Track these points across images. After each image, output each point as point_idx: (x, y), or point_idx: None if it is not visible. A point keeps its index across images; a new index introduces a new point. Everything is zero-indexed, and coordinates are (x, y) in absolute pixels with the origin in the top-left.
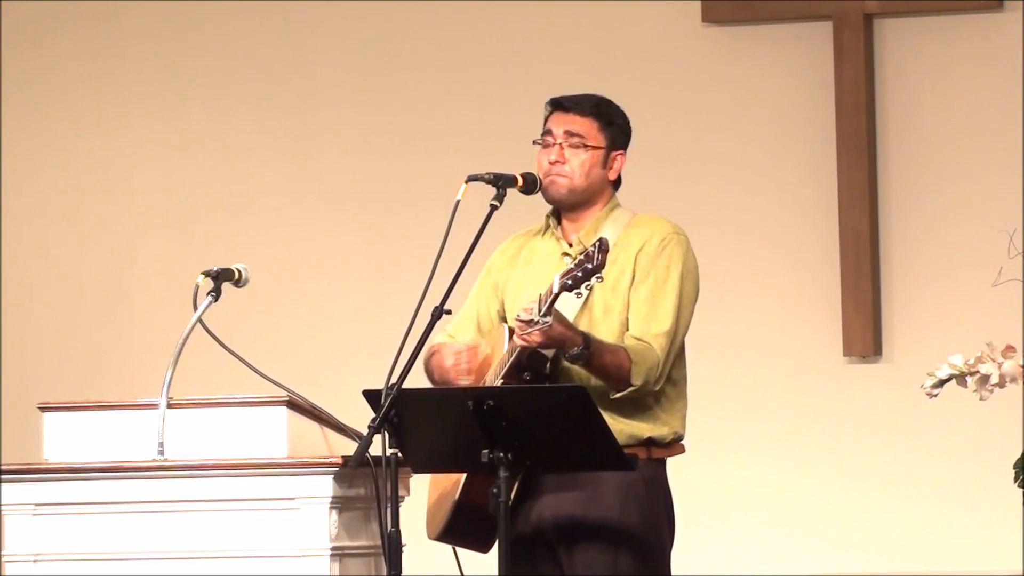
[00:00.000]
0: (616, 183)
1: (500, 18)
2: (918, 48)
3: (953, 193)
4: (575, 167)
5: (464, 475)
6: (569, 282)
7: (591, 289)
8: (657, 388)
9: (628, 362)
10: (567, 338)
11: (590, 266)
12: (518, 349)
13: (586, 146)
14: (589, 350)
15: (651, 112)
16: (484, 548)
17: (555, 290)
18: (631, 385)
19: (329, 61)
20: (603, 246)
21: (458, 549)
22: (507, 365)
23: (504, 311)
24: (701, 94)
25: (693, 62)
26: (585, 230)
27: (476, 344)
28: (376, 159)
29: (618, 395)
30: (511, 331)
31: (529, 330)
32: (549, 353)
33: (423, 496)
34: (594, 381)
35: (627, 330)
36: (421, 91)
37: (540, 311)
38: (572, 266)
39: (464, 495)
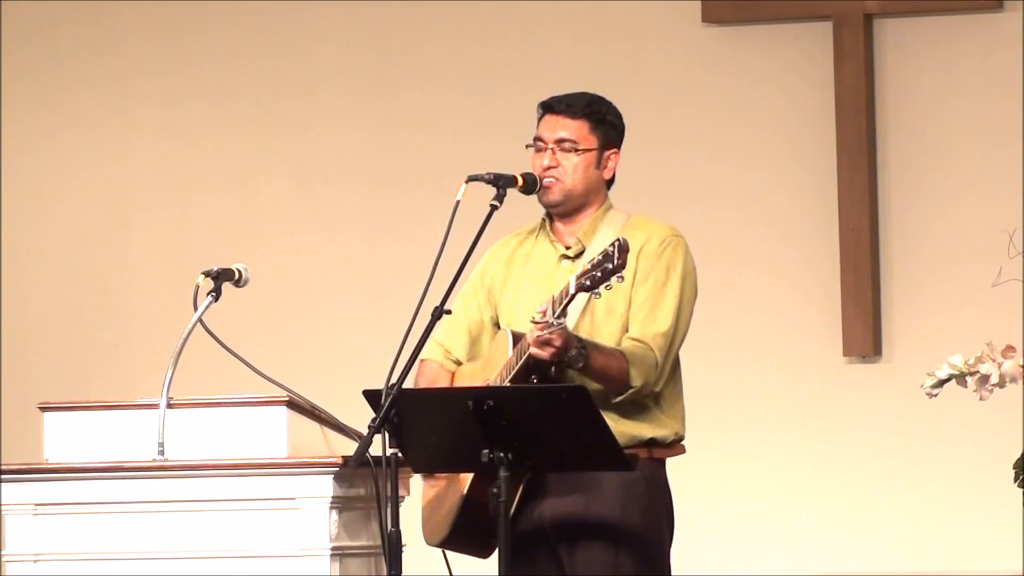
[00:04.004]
0: (610, 183)
1: (500, 18)
2: (918, 48)
3: (953, 193)
4: (568, 171)
5: (467, 482)
6: (587, 283)
7: (610, 288)
8: (657, 389)
9: (625, 364)
10: (569, 341)
11: (610, 266)
12: (527, 353)
13: (577, 150)
14: (585, 351)
15: (651, 112)
16: (485, 554)
17: (571, 291)
18: (630, 387)
19: (330, 62)
20: (623, 246)
21: (449, 553)
22: (515, 369)
23: (498, 316)
24: (701, 94)
25: (693, 62)
26: (584, 230)
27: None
28: (376, 160)
29: (619, 398)
30: (515, 336)
31: (544, 333)
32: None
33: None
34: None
35: (627, 332)
36: (421, 91)
37: (554, 312)
38: (589, 267)
39: (468, 502)
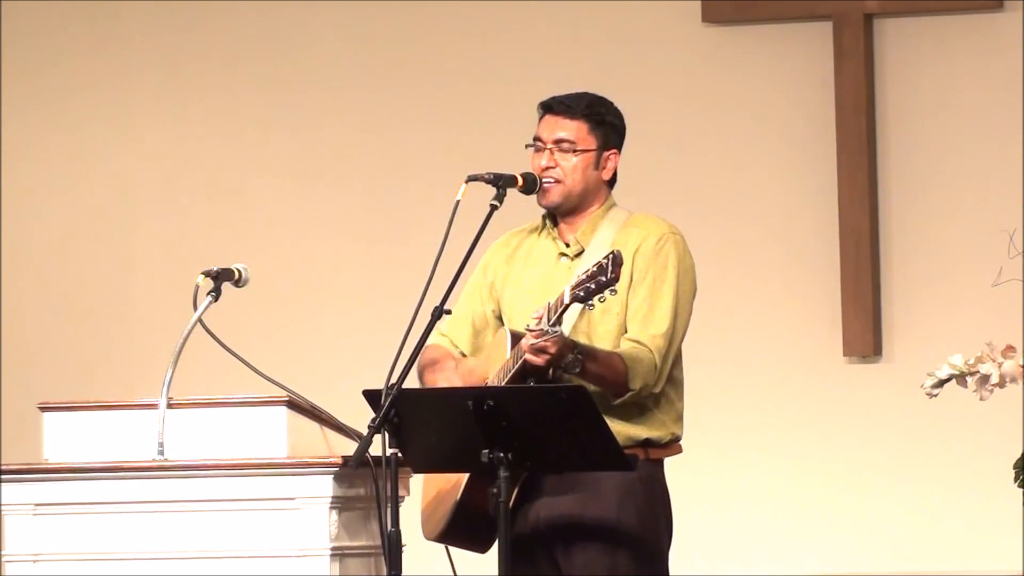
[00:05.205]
0: (612, 182)
1: (500, 18)
2: (918, 48)
3: (953, 193)
4: (567, 171)
5: (465, 476)
6: (581, 293)
7: (603, 300)
8: (657, 390)
9: (623, 367)
10: (563, 348)
11: (603, 279)
12: (523, 358)
13: (575, 150)
14: (581, 356)
15: (651, 112)
16: (483, 549)
17: (566, 300)
18: (629, 390)
19: (330, 61)
20: (617, 259)
21: (452, 550)
22: (512, 372)
23: (500, 310)
24: (701, 94)
25: (693, 62)
26: (582, 230)
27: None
28: (376, 160)
29: (618, 401)
30: (514, 337)
31: (540, 341)
32: None
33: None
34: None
35: (625, 331)
36: (422, 90)
37: (549, 320)
38: (584, 278)
39: (465, 496)
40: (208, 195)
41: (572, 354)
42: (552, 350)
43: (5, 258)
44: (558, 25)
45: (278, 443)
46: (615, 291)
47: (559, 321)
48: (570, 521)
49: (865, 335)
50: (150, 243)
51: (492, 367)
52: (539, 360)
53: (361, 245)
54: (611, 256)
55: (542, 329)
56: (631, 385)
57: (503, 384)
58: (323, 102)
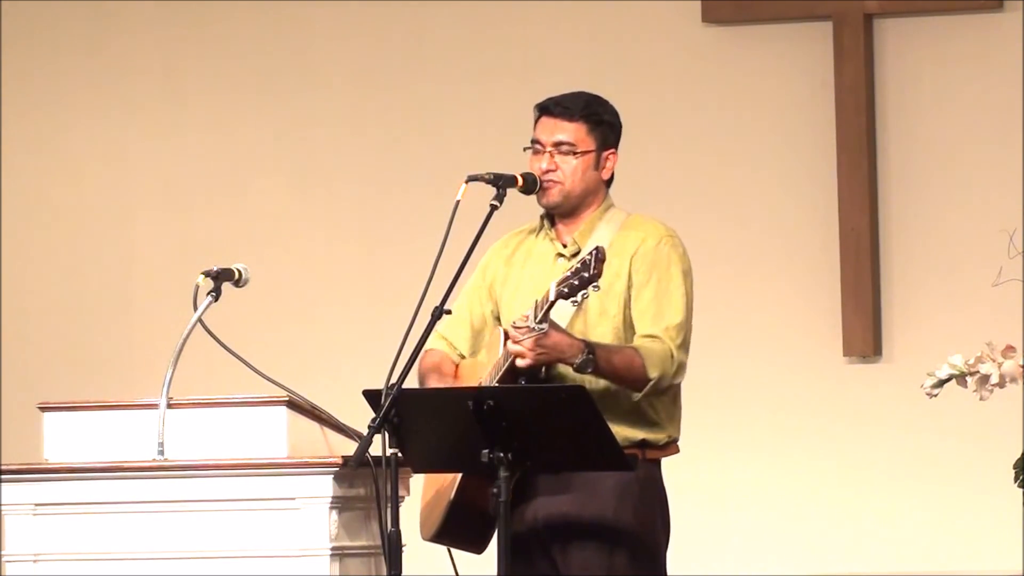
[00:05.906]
0: (609, 181)
1: (500, 18)
2: (918, 48)
3: (953, 193)
4: (567, 173)
5: (459, 475)
6: (565, 290)
7: (587, 297)
8: (677, 381)
9: (639, 358)
10: (564, 346)
11: (587, 275)
12: (511, 358)
13: (576, 153)
14: (594, 355)
15: (651, 112)
16: (478, 549)
17: (551, 298)
18: (648, 380)
19: (330, 61)
20: (600, 255)
21: (453, 550)
22: (502, 370)
23: (498, 310)
24: (701, 94)
25: (693, 62)
26: (580, 230)
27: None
28: (376, 159)
29: (639, 395)
30: (507, 335)
31: (523, 337)
32: None
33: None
34: (604, 384)
35: (623, 333)
36: (421, 90)
37: (536, 318)
38: (568, 274)
39: (460, 496)
40: (208, 195)
41: (583, 355)
42: (531, 346)
43: (5, 257)
44: (558, 25)
45: (278, 443)
46: (598, 287)
47: (546, 318)
48: (568, 521)
49: (865, 335)
50: (150, 243)
51: (489, 366)
52: (527, 361)
53: (361, 245)
54: (594, 252)
55: (528, 327)
56: (649, 375)
57: (494, 383)
58: (323, 102)
